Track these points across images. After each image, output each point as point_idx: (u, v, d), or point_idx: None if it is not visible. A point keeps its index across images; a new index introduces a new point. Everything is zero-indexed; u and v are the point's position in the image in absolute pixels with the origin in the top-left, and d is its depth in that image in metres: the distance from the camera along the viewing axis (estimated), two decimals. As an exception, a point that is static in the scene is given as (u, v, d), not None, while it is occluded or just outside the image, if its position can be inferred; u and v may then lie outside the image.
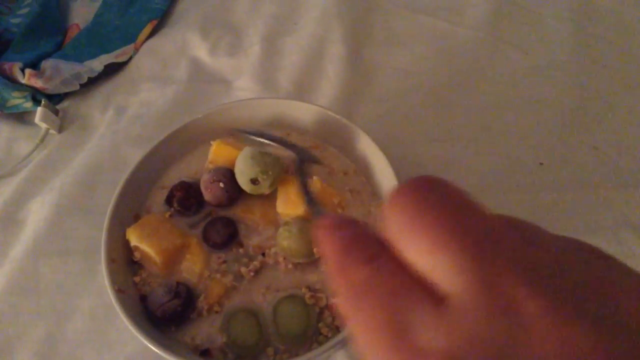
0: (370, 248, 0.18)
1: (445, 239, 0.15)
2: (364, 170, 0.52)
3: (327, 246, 0.19)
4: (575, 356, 0.13)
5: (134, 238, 0.47)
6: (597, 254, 0.17)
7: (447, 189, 0.17)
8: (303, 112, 0.55)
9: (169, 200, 0.51)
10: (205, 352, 0.43)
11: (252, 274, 0.46)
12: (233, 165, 0.49)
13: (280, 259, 0.47)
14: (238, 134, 0.51)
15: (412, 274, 0.16)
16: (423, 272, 0.16)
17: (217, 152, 0.51)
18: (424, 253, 0.16)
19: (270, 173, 0.47)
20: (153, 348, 0.40)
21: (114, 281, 0.44)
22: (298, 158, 0.43)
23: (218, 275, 0.47)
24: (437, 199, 0.16)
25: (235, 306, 0.45)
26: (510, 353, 0.14)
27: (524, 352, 0.13)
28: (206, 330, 0.45)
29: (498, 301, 0.14)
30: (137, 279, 0.47)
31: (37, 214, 0.60)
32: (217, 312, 0.45)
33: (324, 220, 0.20)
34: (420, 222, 0.16)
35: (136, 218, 0.50)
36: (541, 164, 0.58)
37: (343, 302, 0.17)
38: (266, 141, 0.48)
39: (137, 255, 0.48)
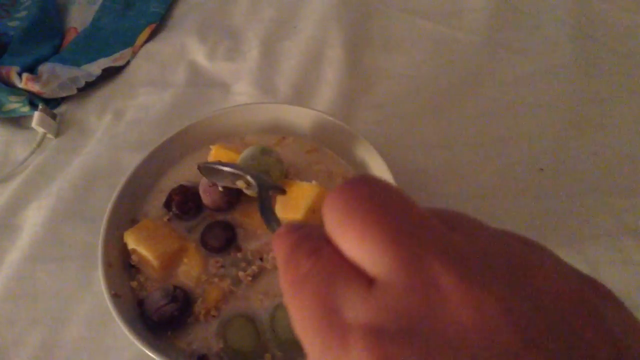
0: (315, 244, 0.19)
1: (372, 228, 0.16)
2: (363, 174, 0.52)
3: (278, 251, 0.20)
4: (486, 320, 0.14)
5: (131, 241, 0.47)
6: (525, 241, 0.18)
7: (379, 186, 0.18)
8: (302, 117, 0.55)
9: (167, 204, 0.51)
10: (202, 358, 0.43)
11: (249, 278, 0.46)
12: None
13: (279, 264, 0.46)
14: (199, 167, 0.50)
15: (349, 262, 0.17)
16: (356, 261, 0.17)
17: (217, 156, 0.51)
18: (354, 243, 0.17)
19: (269, 176, 0.47)
20: (149, 353, 0.39)
21: (110, 286, 0.44)
22: (258, 184, 0.42)
23: (216, 280, 0.46)
24: (368, 194, 0.18)
25: (232, 311, 0.45)
26: (428, 321, 0.15)
27: (442, 319, 0.14)
28: (203, 336, 0.44)
29: (417, 277, 0.15)
30: (134, 283, 0.47)
31: (33, 218, 0.59)
32: (214, 316, 0.45)
33: (278, 230, 0.21)
34: (351, 215, 0.17)
35: (133, 222, 0.50)
36: (541, 169, 0.58)
37: (286, 296, 0.18)
38: (226, 169, 0.47)
39: (134, 259, 0.47)
